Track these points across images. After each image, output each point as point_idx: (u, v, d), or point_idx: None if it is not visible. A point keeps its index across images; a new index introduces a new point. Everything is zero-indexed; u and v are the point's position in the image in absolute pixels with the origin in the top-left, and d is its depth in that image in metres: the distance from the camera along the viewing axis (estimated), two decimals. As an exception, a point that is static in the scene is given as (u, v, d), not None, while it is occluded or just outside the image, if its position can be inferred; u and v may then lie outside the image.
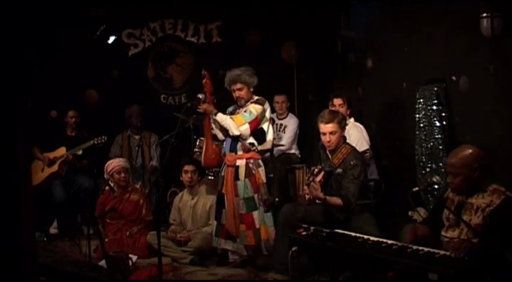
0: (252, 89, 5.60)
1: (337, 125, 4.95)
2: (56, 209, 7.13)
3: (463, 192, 3.77)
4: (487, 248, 3.40)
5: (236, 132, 5.38)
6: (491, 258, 3.31)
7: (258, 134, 5.51)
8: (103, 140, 7.05)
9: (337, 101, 6.07)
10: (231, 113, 5.66)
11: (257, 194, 5.47)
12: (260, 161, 5.58)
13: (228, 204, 5.48)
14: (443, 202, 3.93)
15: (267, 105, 5.56)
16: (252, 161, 5.49)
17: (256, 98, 5.59)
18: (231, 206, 5.46)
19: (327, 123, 4.95)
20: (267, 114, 5.54)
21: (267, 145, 5.60)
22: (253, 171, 5.48)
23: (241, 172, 5.47)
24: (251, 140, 5.46)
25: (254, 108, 5.45)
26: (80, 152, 7.22)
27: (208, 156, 5.66)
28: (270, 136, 5.60)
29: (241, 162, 5.48)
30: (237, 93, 5.59)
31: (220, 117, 5.48)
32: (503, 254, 3.31)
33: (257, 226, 5.43)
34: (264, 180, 5.55)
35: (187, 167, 6.13)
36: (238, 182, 5.45)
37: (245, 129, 5.40)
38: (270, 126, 5.61)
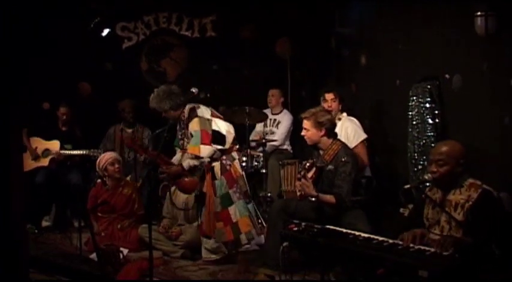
0: (170, 110, 5.50)
1: (311, 123, 5.02)
2: (37, 193, 7.01)
3: (442, 186, 3.79)
4: (475, 244, 3.42)
5: (201, 160, 5.36)
6: (480, 255, 3.33)
7: (215, 136, 5.44)
8: (98, 154, 6.98)
9: (329, 96, 6.08)
10: (182, 136, 5.65)
11: (234, 188, 5.48)
12: (234, 154, 5.59)
13: (206, 203, 5.49)
14: (423, 201, 3.96)
15: (200, 110, 5.46)
16: (224, 157, 5.51)
17: (187, 111, 5.50)
18: (208, 205, 5.47)
19: (303, 119, 5.08)
20: (206, 115, 5.45)
21: (229, 138, 5.54)
22: (228, 167, 5.49)
23: (217, 171, 5.48)
24: (216, 146, 5.41)
25: (193, 126, 5.39)
26: (70, 147, 7.20)
27: (187, 188, 5.63)
28: (224, 128, 5.51)
29: (216, 163, 5.49)
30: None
31: (187, 163, 5.40)
32: (490, 248, 3.35)
33: (234, 220, 5.44)
34: (241, 173, 5.57)
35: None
36: (216, 182, 5.46)
37: (204, 150, 5.33)
38: (218, 120, 5.53)
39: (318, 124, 4.99)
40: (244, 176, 5.63)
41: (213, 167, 5.46)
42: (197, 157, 5.34)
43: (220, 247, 5.47)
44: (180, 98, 5.50)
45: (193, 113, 5.43)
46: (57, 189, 7.14)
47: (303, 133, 5.11)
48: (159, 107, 5.49)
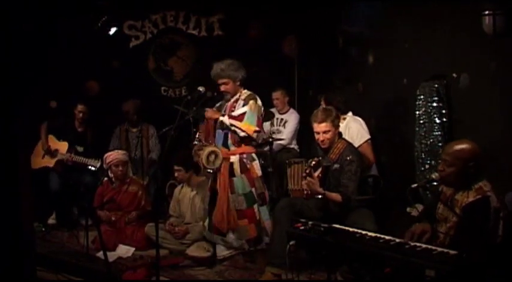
0: (238, 83, 5.50)
1: (331, 123, 4.97)
2: (52, 200, 7.11)
3: (451, 185, 3.78)
4: (484, 246, 3.41)
5: (244, 135, 5.36)
6: (489, 256, 3.32)
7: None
8: (95, 165, 7.05)
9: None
10: (219, 108, 5.62)
11: (253, 188, 5.47)
12: (254, 155, 5.56)
13: (219, 201, 5.43)
14: (438, 197, 3.94)
15: (259, 101, 5.49)
16: (245, 156, 5.47)
17: (245, 93, 5.52)
18: (223, 202, 5.40)
19: (320, 122, 4.97)
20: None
21: (259, 136, 5.62)
22: (248, 166, 5.47)
23: (237, 168, 5.44)
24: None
25: (254, 110, 5.37)
26: (82, 150, 7.21)
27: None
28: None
29: (235, 158, 5.45)
30: (223, 88, 5.52)
31: (228, 121, 5.37)
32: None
33: (258, 218, 5.44)
34: (259, 174, 5.53)
35: (175, 167, 6.13)
36: (234, 179, 5.43)
37: (256, 134, 5.42)
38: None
39: (333, 123, 4.99)
40: (261, 178, 5.60)
41: (232, 163, 5.43)
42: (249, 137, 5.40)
43: (241, 244, 5.48)
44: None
45: (254, 98, 5.44)
46: (69, 190, 7.16)
47: (320, 138, 5.00)
48: (234, 75, 5.46)
